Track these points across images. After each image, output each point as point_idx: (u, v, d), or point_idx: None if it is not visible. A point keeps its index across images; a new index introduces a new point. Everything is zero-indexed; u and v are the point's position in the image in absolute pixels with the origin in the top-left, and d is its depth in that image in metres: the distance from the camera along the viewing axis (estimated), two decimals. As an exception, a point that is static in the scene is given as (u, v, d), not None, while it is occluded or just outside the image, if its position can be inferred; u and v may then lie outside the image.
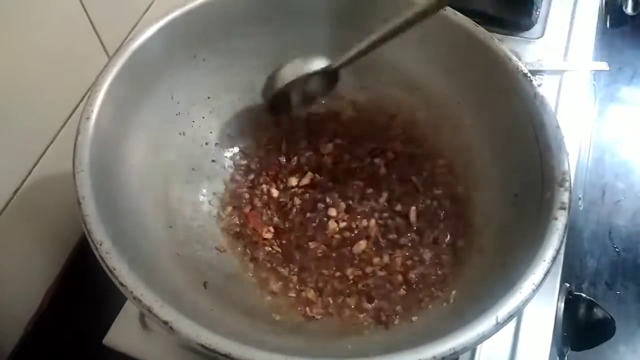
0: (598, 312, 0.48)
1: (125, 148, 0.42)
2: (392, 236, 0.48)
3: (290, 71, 0.46)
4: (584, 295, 0.49)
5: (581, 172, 0.62)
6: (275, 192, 0.50)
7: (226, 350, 0.30)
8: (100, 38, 0.52)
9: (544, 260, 0.34)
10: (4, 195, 0.46)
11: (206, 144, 0.50)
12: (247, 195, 0.50)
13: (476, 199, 0.46)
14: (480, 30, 0.46)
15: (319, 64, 0.47)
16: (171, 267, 0.40)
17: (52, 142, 0.50)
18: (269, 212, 0.49)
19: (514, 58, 0.44)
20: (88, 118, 0.38)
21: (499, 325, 0.32)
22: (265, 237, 0.48)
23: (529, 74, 0.43)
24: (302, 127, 0.54)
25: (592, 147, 0.68)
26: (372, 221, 0.49)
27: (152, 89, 0.45)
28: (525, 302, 0.33)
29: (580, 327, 0.48)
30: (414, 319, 0.41)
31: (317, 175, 0.52)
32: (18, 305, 0.51)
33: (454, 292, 0.41)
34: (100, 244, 0.33)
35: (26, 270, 0.51)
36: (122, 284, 0.32)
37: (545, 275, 0.34)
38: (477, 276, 0.41)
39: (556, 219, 0.36)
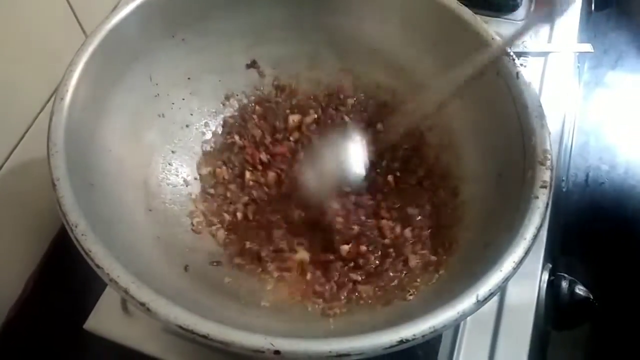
0: (580, 292, 0.48)
1: (102, 130, 0.41)
2: (375, 216, 0.48)
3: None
4: (565, 275, 0.49)
5: (565, 155, 0.63)
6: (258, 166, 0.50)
7: (204, 331, 0.30)
8: (80, 21, 0.51)
9: (525, 239, 0.34)
10: (-19, 181, 0.45)
11: (187, 126, 0.50)
12: (227, 176, 0.49)
13: (459, 179, 0.46)
14: (464, 10, 0.46)
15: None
16: (151, 251, 0.40)
17: (30, 126, 0.49)
18: (248, 190, 0.49)
19: (497, 38, 0.44)
20: (62, 99, 0.38)
21: (479, 304, 0.32)
22: (245, 214, 0.47)
23: (512, 54, 0.43)
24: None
25: (577, 131, 0.69)
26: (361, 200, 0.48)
27: (130, 70, 0.44)
28: (506, 280, 0.33)
29: (563, 307, 0.48)
30: (409, 297, 0.41)
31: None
32: (0, 292, 0.51)
33: (441, 272, 0.41)
34: (76, 226, 0.33)
35: (8, 256, 0.50)
36: (98, 266, 0.32)
37: (526, 253, 0.34)
38: (461, 255, 0.41)
39: (537, 197, 0.36)
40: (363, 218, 0.47)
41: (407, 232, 0.46)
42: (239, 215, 0.47)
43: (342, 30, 0.51)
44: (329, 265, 0.44)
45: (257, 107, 0.53)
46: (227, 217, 0.47)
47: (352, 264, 0.44)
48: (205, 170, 0.49)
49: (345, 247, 0.45)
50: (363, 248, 0.45)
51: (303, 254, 0.45)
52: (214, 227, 0.46)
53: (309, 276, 0.43)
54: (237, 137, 0.51)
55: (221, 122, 0.52)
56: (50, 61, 0.49)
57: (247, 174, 0.49)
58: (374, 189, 0.49)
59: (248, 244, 0.45)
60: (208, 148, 0.50)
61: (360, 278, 0.43)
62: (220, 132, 0.51)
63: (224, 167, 0.49)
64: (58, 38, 0.49)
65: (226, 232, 0.46)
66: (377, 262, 0.45)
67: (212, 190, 0.48)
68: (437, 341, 0.46)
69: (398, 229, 0.46)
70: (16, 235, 0.51)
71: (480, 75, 0.42)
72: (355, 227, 0.46)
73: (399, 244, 0.46)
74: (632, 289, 0.59)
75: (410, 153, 0.51)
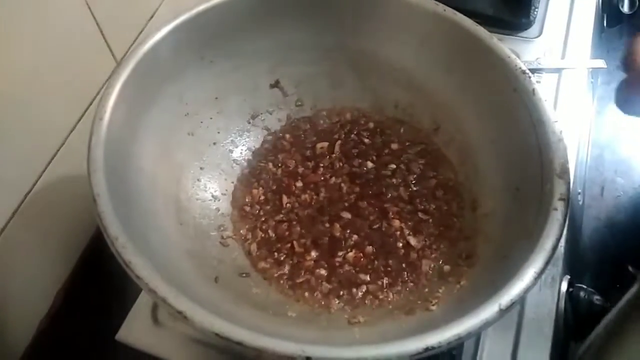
0: (598, 303, 0.49)
1: (136, 148, 0.43)
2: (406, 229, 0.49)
3: None
4: (584, 286, 0.50)
5: (581, 168, 0.63)
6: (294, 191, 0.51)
7: (239, 338, 0.31)
8: (108, 43, 0.53)
9: (545, 250, 0.35)
10: (16, 197, 0.47)
11: (214, 143, 0.52)
12: (262, 197, 0.51)
13: (479, 193, 0.48)
14: (480, 30, 0.47)
15: None
16: (183, 263, 0.42)
17: (62, 144, 0.51)
18: (284, 210, 0.50)
19: (513, 56, 0.46)
20: (101, 119, 0.39)
21: (502, 312, 0.33)
22: (277, 231, 0.49)
23: (527, 71, 0.44)
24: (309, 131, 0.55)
25: (592, 144, 0.69)
26: (392, 217, 0.50)
27: (162, 91, 0.46)
28: (527, 289, 0.34)
29: (581, 318, 0.49)
30: (432, 307, 0.42)
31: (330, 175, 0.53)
32: (31, 304, 0.52)
33: (462, 282, 0.42)
34: (116, 239, 0.34)
35: (38, 270, 0.52)
36: (138, 277, 0.33)
37: (546, 263, 0.35)
38: (482, 266, 0.42)
39: (556, 209, 0.37)
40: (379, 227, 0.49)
41: (423, 242, 0.47)
42: (271, 232, 0.49)
43: (363, 51, 0.53)
44: (350, 274, 0.46)
45: (288, 136, 0.55)
46: (260, 234, 0.48)
47: (372, 273, 0.46)
48: (240, 192, 0.51)
49: (352, 255, 0.47)
50: (374, 255, 0.47)
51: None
52: (247, 243, 0.48)
53: (331, 285, 0.45)
54: (271, 165, 0.53)
55: (252, 146, 0.54)
56: (80, 83, 0.51)
57: (285, 198, 0.51)
58: (390, 201, 0.51)
59: (277, 257, 0.47)
60: (244, 171, 0.52)
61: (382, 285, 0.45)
62: (252, 157, 0.53)
63: (260, 189, 0.51)
64: (87, 61, 0.51)
65: (257, 247, 0.48)
66: (395, 270, 0.46)
67: (248, 209, 0.50)
68: (459, 352, 0.47)
69: (415, 240, 0.48)
70: (46, 250, 0.53)
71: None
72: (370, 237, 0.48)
73: (414, 253, 0.47)
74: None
75: (427, 167, 0.52)
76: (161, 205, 0.44)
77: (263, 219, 0.49)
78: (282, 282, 0.45)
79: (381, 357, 0.31)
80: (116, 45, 0.54)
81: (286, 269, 0.46)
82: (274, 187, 0.51)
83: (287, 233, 0.48)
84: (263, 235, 0.48)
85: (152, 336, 0.47)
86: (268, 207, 0.50)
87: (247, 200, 0.50)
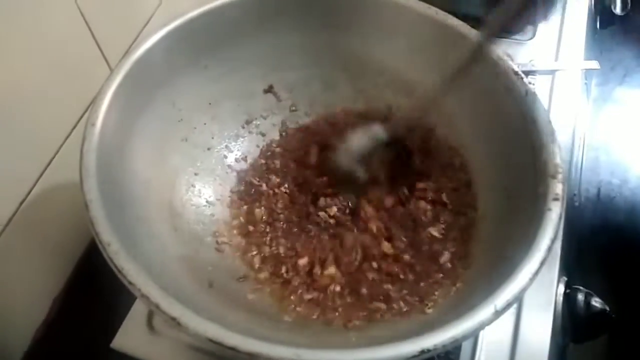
0: (596, 304, 0.49)
1: (129, 154, 0.43)
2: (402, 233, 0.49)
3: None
4: (581, 287, 0.50)
5: (576, 170, 0.63)
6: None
7: (232, 343, 0.31)
8: (102, 50, 0.53)
9: (540, 250, 0.35)
10: (11, 205, 0.47)
11: (208, 149, 0.51)
12: (265, 217, 0.51)
13: (473, 195, 0.48)
14: (473, 33, 0.47)
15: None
16: (177, 269, 0.41)
17: (57, 152, 0.50)
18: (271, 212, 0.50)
19: (505, 58, 0.46)
20: (93, 125, 0.39)
21: (497, 314, 0.33)
22: (267, 237, 0.49)
23: (520, 73, 0.44)
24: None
25: (587, 146, 0.69)
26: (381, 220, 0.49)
27: (155, 96, 0.46)
28: (523, 290, 0.34)
29: (579, 320, 0.49)
30: (428, 310, 0.41)
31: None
32: (26, 313, 0.52)
33: (458, 285, 0.42)
34: (109, 245, 0.34)
35: (34, 278, 0.52)
36: (130, 283, 0.33)
37: (541, 264, 0.35)
38: (477, 268, 0.42)
39: (550, 209, 0.37)
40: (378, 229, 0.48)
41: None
42: (274, 246, 0.48)
43: (354, 54, 0.53)
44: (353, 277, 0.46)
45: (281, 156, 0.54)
46: (267, 249, 0.48)
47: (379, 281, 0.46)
48: (243, 210, 0.51)
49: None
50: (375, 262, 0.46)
51: (332, 271, 0.46)
52: (250, 254, 0.48)
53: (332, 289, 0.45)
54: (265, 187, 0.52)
55: (247, 151, 0.54)
56: (74, 91, 0.51)
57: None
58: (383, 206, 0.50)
59: (272, 263, 0.47)
60: (240, 188, 0.52)
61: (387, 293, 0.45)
62: (252, 175, 0.53)
63: (263, 209, 0.51)
64: (81, 69, 0.51)
65: (262, 259, 0.47)
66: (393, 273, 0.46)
67: (251, 228, 0.49)
68: (457, 356, 0.47)
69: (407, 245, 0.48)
70: (42, 258, 0.53)
71: (469, 70, 0.43)
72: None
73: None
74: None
75: (420, 169, 0.52)
76: (155, 211, 0.43)
77: (269, 237, 0.49)
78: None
79: (376, 361, 0.31)
80: (110, 53, 0.54)
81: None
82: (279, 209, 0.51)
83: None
84: (270, 249, 0.48)
85: (148, 344, 0.47)
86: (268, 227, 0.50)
87: (247, 219, 0.50)
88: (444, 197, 0.49)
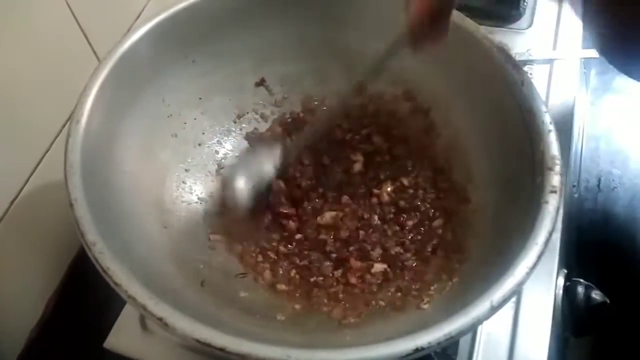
0: (596, 297, 0.48)
1: (117, 150, 0.42)
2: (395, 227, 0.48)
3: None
4: (582, 280, 0.49)
5: (576, 160, 0.63)
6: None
7: (221, 344, 0.30)
8: (92, 46, 0.53)
9: (537, 244, 0.34)
10: (1, 206, 0.46)
11: (199, 144, 0.51)
12: None
13: (469, 187, 0.47)
14: (468, 22, 0.47)
15: None
16: (168, 267, 0.41)
17: (47, 151, 0.50)
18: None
19: (502, 47, 0.45)
20: (78, 121, 0.39)
21: (494, 309, 0.32)
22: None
23: (516, 62, 0.44)
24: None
25: (587, 136, 0.68)
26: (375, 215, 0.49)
27: (143, 92, 0.45)
28: (520, 285, 0.33)
29: (580, 313, 0.48)
30: (424, 306, 0.41)
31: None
32: (20, 314, 0.52)
33: (454, 280, 0.41)
34: (94, 245, 0.33)
35: (28, 279, 0.51)
36: (116, 283, 0.32)
37: (539, 258, 0.34)
38: (474, 263, 0.41)
39: (547, 202, 0.36)
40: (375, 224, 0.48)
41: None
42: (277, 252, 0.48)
43: (346, 46, 0.52)
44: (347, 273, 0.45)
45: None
46: (272, 255, 0.47)
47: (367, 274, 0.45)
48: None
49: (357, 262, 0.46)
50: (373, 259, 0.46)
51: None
52: (229, 244, 0.47)
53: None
54: None
55: (239, 146, 0.53)
56: (65, 88, 0.50)
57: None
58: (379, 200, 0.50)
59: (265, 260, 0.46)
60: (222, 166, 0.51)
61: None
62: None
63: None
64: (71, 66, 0.50)
65: (271, 270, 0.46)
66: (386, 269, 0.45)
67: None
68: (454, 351, 0.46)
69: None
70: (36, 258, 0.52)
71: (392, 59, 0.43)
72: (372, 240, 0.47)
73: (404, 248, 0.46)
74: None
75: (416, 162, 0.51)
76: (144, 209, 0.43)
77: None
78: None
79: (369, 360, 0.30)
80: (101, 49, 0.54)
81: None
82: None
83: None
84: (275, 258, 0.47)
85: (141, 343, 0.47)
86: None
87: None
88: (436, 190, 0.49)
